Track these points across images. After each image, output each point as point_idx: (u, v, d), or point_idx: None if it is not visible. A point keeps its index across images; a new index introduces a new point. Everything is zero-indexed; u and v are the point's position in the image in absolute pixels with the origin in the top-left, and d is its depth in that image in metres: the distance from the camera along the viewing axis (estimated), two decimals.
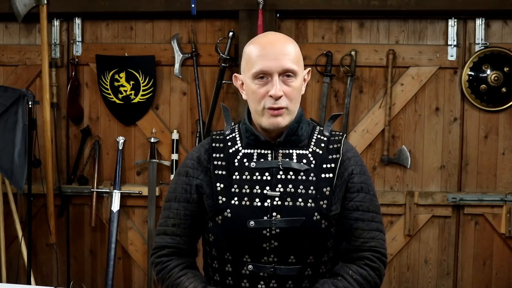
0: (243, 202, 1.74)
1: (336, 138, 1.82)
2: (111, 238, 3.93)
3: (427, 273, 3.94)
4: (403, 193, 3.89)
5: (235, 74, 1.85)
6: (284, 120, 1.73)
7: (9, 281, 3.92)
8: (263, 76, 1.71)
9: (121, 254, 4.12)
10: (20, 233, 3.78)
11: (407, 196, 3.87)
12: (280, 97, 1.70)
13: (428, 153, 3.91)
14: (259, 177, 1.75)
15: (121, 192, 3.99)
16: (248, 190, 1.75)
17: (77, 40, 4.07)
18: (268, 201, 1.73)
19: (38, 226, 4.09)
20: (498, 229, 3.87)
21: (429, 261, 3.94)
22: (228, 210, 1.74)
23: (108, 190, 4.02)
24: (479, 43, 3.82)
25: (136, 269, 4.14)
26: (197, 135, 3.97)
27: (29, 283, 3.67)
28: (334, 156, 1.78)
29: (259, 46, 1.74)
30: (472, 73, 3.82)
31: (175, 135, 4.01)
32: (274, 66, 1.70)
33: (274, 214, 1.72)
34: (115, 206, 3.97)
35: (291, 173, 1.75)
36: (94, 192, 4.03)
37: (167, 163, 4.01)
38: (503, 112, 3.86)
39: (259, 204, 1.73)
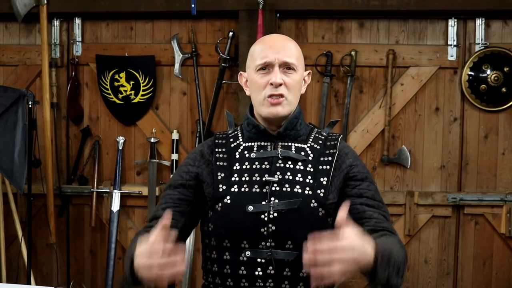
0: (243, 189, 1.80)
1: (333, 137, 1.91)
2: (111, 238, 3.93)
3: (427, 273, 3.95)
4: (403, 193, 3.89)
5: (241, 72, 1.97)
6: (283, 110, 1.83)
7: (9, 281, 3.92)
8: (265, 67, 1.83)
9: (121, 254, 4.12)
10: (20, 233, 3.78)
11: (407, 196, 3.87)
12: (280, 84, 1.81)
13: (428, 153, 3.91)
14: (258, 166, 1.82)
15: (121, 192, 3.99)
16: (247, 178, 1.81)
17: (77, 40, 4.07)
18: (267, 187, 1.79)
19: (38, 226, 4.10)
20: (498, 229, 3.87)
21: (429, 261, 3.94)
22: (228, 197, 1.80)
23: (108, 190, 4.02)
24: (479, 43, 3.82)
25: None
26: (197, 135, 3.97)
27: (29, 283, 3.67)
28: (332, 151, 1.86)
29: (263, 42, 1.90)
30: (472, 73, 3.82)
31: (175, 135, 4.01)
32: (275, 57, 1.82)
33: (272, 198, 1.77)
34: (115, 206, 3.97)
35: (289, 162, 1.82)
36: (94, 192, 4.03)
37: (167, 163, 4.01)
38: (503, 112, 3.87)
39: (257, 190, 1.79)
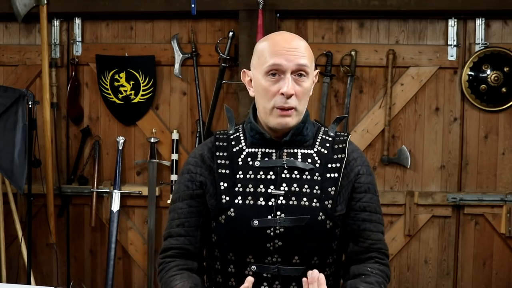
0: (247, 201, 1.72)
1: (341, 138, 1.81)
2: (111, 238, 3.93)
3: (427, 273, 3.94)
4: (403, 193, 3.89)
5: (244, 70, 1.83)
6: (292, 121, 1.72)
7: (9, 281, 3.91)
8: (275, 73, 1.70)
9: (121, 254, 4.12)
10: (20, 233, 3.78)
11: (407, 196, 3.87)
12: (291, 95, 1.69)
13: (428, 153, 3.91)
14: (263, 176, 1.73)
15: (121, 192, 3.99)
16: (252, 189, 1.72)
17: (77, 40, 4.07)
18: (273, 200, 1.71)
19: (38, 226, 4.09)
20: (498, 229, 3.87)
21: (429, 261, 3.94)
22: (232, 210, 1.72)
23: (108, 190, 4.02)
24: (479, 43, 3.82)
25: (136, 269, 4.14)
26: (197, 135, 3.97)
27: (29, 283, 3.67)
28: (340, 155, 1.77)
29: (274, 43, 1.73)
30: (472, 73, 3.82)
31: (175, 135, 4.01)
32: (288, 63, 1.69)
33: (279, 213, 1.70)
34: (115, 206, 3.96)
35: (296, 172, 1.73)
36: (94, 192, 4.03)
37: (167, 163, 4.01)
38: (503, 112, 3.86)
39: (263, 203, 1.71)
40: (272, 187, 1.72)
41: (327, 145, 1.79)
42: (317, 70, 1.83)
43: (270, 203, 1.71)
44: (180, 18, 4.00)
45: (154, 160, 4.00)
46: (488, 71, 3.81)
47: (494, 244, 3.90)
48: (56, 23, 4.08)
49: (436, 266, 3.93)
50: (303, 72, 1.70)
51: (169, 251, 1.80)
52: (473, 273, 3.91)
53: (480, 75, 3.82)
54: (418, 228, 3.91)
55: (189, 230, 1.78)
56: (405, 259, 3.95)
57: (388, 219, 3.91)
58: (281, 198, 1.71)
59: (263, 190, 1.72)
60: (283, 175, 1.73)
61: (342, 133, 1.84)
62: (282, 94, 1.68)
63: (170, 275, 1.74)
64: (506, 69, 3.80)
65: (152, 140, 4.02)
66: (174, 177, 3.97)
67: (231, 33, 3.85)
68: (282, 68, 1.69)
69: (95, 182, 4.04)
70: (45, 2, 3.86)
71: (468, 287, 3.92)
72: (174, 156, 3.99)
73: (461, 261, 3.92)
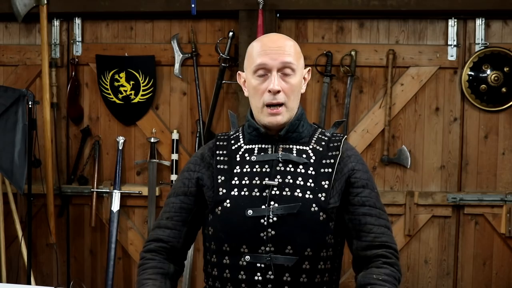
0: (242, 193, 1.78)
1: (337, 138, 1.87)
2: (111, 238, 3.93)
3: (427, 273, 3.94)
4: (403, 193, 3.89)
5: (239, 72, 1.93)
6: (283, 118, 1.80)
7: (9, 281, 3.92)
8: (262, 72, 1.78)
9: (121, 254, 4.12)
10: (20, 233, 3.78)
11: (407, 196, 3.87)
12: (278, 92, 1.76)
13: (428, 153, 3.91)
14: (259, 169, 1.80)
15: (121, 192, 3.99)
16: (247, 182, 1.79)
17: (77, 40, 4.07)
18: (267, 191, 1.77)
19: (38, 226, 4.10)
20: (498, 229, 3.87)
21: (429, 261, 3.94)
22: (228, 201, 1.78)
23: (108, 190, 4.02)
24: (479, 43, 3.82)
25: (136, 269, 4.11)
26: (197, 135, 3.97)
27: (29, 283, 3.67)
28: (334, 153, 1.82)
29: (260, 44, 1.83)
30: (472, 73, 3.82)
31: (175, 135, 4.01)
32: (273, 61, 1.77)
33: (272, 203, 1.75)
34: (115, 206, 3.96)
35: (290, 165, 1.79)
36: (94, 192, 4.03)
37: (167, 163, 4.01)
38: (503, 112, 3.86)
39: (257, 194, 1.77)
40: (267, 179, 1.78)
41: (323, 143, 1.85)
42: (308, 68, 1.90)
43: (264, 193, 1.77)
44: (180, 18, 4.01)
45: (154, 160, 4.00)
46: (488, 71, 3.81)
47: (494, 244, 3.90)
48: (56, 23, 4.08)
49: (436, 266, 3.93)
50: (289, 70, 1.78)
51: (153, 243, 1.87)
52: (473, 273, 3.92)
53: (480, 75, 3.82)
54: (418, 228, 3.91)
55: (176, 224, 1.87)
56: (405, 259, 3.95)
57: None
58: (275, 189, 1.76)
59: (258, 182, 1.78)
60: (278, 168, 1.80)
61: (338, 134, 1.90)
62: (269, 91, 1.77)
63: (145, 278, 1.81)
64: (506, 69, 3.80)
65: (152, 140, 4.03)
66: (174, 177, 3.97)
67: (231, 33, 3.85)
68: (267, 67, 1.78)
69: (95, 182, 4.04)
70: (45, 2, 3.87)
71: (468, 287, 3.92)
72: (174, 156, 3.99)
73: (461, 261, 3.92)
